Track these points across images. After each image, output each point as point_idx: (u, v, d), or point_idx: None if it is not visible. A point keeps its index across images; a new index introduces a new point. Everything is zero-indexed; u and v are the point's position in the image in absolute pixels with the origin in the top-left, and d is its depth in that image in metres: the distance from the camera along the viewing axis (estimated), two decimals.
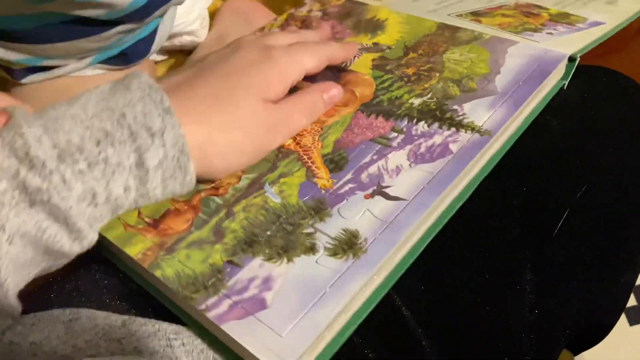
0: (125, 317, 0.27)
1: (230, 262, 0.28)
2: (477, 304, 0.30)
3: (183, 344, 0.27)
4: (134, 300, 0.30)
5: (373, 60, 0.42)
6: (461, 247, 0.32)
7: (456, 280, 0.31)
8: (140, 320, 0.27)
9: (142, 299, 0.29)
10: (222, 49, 0.35)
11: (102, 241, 0.32)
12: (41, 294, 0.30)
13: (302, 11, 0.51)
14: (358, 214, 0.30)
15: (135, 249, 0.30)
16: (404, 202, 0.30)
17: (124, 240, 0.30)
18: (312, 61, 0.36)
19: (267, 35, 0.37)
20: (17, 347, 0.26)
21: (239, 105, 0.31)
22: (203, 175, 0.30)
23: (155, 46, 0.50)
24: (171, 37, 0.55)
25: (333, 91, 0.37)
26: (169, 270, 0.28)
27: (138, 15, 0.44)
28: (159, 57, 0.59)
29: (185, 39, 0.56)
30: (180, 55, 0.61)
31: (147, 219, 0.31)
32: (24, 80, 0.46)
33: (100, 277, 0.31)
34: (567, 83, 0.40)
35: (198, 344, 0.27)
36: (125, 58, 0.49)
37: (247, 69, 0.33)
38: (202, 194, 0.33)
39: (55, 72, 0.46)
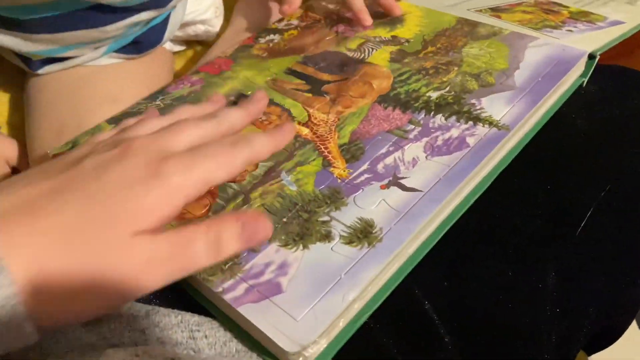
0: (149, 307, 0.28)
1: None
2: (499, 300, 0.30)
3: (206, 336, 0.27)
4: (157, 291, 0.30)
5: (391, 52, 0.43)
6: (485, 243, 0.32)
7: (479, 276, 0.31)
8: (163, 310, 0.27)
9: (166, 290, 0.30)
10: (108, 146, 0.26)
11: None
12: None
13: (322, 2, 0.51)
14: (374, 204, 0.30)
15: None
16: (419, 193, 0.30)
17: None
18: (222, 174, 0.26)
19: (171, 131, 0.27)
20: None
21: (98, 241, 0.23)
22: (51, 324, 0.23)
23: (168, 34, 0.50)
24: (184, 25, 0.55)
25: (255, 225, 0.25)
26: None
27: (158, 3, 0.45)
28: (177, 48, 0.59)
29: (199, 28, 0.56)
30: (198, 46, 0.61)
31: None
32: (40, 71, 0.46)
33: None
34: (586, 80, 0.40)
35: (221, 336, 0.27)
36: (139, 46, 0.49)
37: (123, 191, 0.24)
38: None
39: (71, 62, 0.46)
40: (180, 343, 0.26)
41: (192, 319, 0.27)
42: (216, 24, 0.58)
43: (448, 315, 0.29)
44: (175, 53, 0.59)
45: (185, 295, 0.29)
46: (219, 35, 0.60)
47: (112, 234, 0.23)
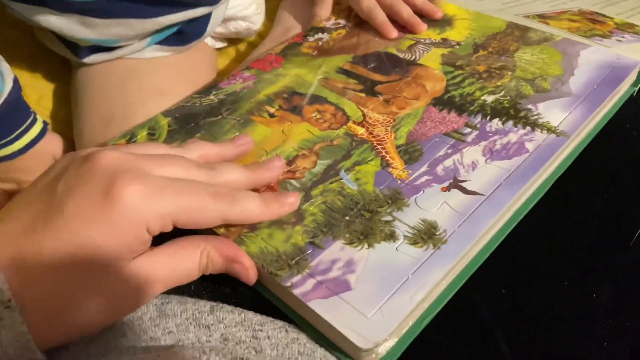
0: (214, 303, 0.28)
1: (312, 243, 0.29)
2: (554, 308, 0.30)
3: (268, 337, 0.27)
4: (219, 291, 0.31)
5: (442, 55, 0.43)
6: (541, 251, 0.32)
7: (535, 284, 0.31)
8: (227, 307, 0.28)
9: (228, 289, 0.30)
10: (82, 160, 0.25)
11: None
12: None
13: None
14: (435, 206, 0.30)
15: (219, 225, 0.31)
16: (481, 197, 0.31)
17: None
18: (188, 218, 0.25)
19: (156, 159, 0.26)
20: (109, 327, 0.26)
21: (90, 275, 0.23)
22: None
23: (212, 26, 0.50)
24: (226, 20, 0.55)
25: (227, 249, 0.27)
26: (253, 247, 0.29)
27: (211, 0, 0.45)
28: (219, 44, 0.60)
29: (241, 25, 0.57)
30: (240, 43, 0.61)
31: None
32: (86, 60, 0.47)
33: None
34: (637, 90, 0.40)
35: (283, 337, 0.27)
36: (183, 37, 0.49)
37: (84, 228, 0.23)
38: (280, 177, 0.33)
39: (117, 52, 0.47)
40: (244, 341, 0.26)
41: (254, 317, 0.28)
42: (257, 21, 0.58)
43: (505, 322, 0.30)
44: (217, 50, 0.60)
45: (245, 291, 0.30)
46: (259, 33, 0.60)
47: (98, 272, 0.23)
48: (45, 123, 0.45)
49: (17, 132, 0.41)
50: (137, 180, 0.23)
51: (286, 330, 0.27)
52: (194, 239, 0.28)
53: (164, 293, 0.29)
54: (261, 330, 0.27)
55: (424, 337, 0.28)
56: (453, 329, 0.29)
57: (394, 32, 0.46)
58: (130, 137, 0.38)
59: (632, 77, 0.39)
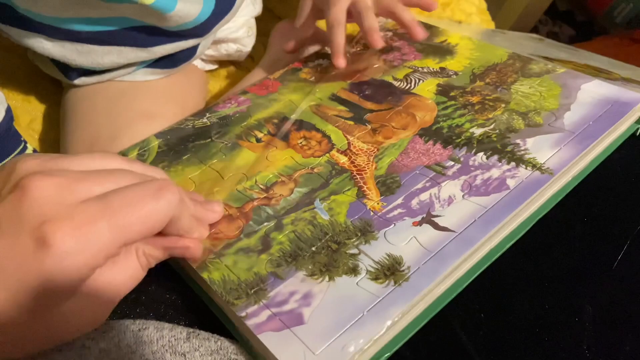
0: (190, 329, 0.28)
1: (273, 273, 0.29)
2: (535, 332, 0.29)
3: None
4: (196, 317, 0.31)
5: (437, 85, 0.42)
6: (522, 275, 0.31)
7: (516, 309, 0.31)
8: (203, 334, 0.28)
9: (203, 316, 0.30)
10: (10, 186, 0.23)
11: None
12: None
13: None
14: (404, 241, 0.30)
15: None
16: (452, 233, 0.30)
17: None
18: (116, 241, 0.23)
19: (80, 182, 0.23)
20: (87, 352, 0.27)
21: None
22: None
23: (201, 49, 0.51)
24: (217, 43, 0.56)
25: (162, 241, 0.27)
26: (215, 274, 0.29)
27: (204, 30, 0.46)
28: (209, 67, 0.60)
29: (232, 47, 0.57)
30: (231, 66, 0.62)
31: None
32: (77, 81, 0.48)
33: (164, 292, 0.32)
34: None
35: None
36: (172, 60, 0.50)
37: (16, 277, 0.21)
38: (255, 203, 0.34)
39: (106, 75, 0.48)
40: None
41: (230, 346, 0.28)
42: (248, 44, 0.58)
43: (484, 347, 0.29)
44: (208, 72, 0.60)
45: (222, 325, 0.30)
46: (250, 55, 0.60)
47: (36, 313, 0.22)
48: (34, 151, 0.46)
49: (5, 160, 0.42)
50: (67, 220, 0.22)
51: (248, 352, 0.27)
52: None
53: (141, 319, 0.29)
54: (237, 359, 0.27)
55: None
56: (431, 353, 0.28)
57: (342, 61, 0.45)
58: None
59: (635, 114, 0.38)
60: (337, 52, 0.44)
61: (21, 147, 0.44)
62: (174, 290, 0.32)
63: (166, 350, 0.27)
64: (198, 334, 0.28)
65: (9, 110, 0.42)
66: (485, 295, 0.30)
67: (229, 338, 0.28)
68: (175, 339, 0.27)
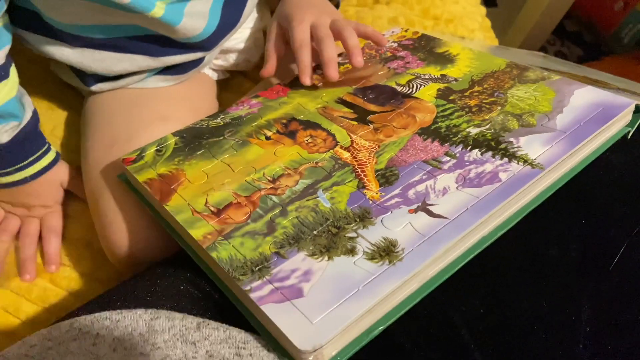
0: (200, 319, 0.30)
1: (277, 253, 0.31)
2: (533, 330, 0.31)
3: (251, 355, 0.28)
4: (207, 307, 0.33)
5: (438, 90, 0.45)
6: (521, 272, 0.33)
7: (515, 305, 0.32)
8: (213, 323, 0.30)
9: (215, 305, 0.32)
10: None
11: (172, 226, 0.36)
12: (125, 289, 0.33)
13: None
14: (400, 226, 0.32)
15: (198, 232, 0.33)
16: (445, 220, 0.32)
17: (190, 224, 0.34)
18: None
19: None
20: (101, 340, 0.29)
21: None
22: None
23: (208, 58, 0.53)
24: (225, 52, 0.58)
25: None
26: (223, 253, 0.31)
27: (211, 43, 0.49)
28: (218, 76, 0.61)
29: (239, 57, 0.59)
30: (240, 76, 0.64)
31: (212, 207, 0.35)
32: (93, 88, 0.51)
33: (176, 283, 0.34)
34: (632, 131, 0.40)
35: (264, 355, 0.28)
36: (182, 67, 0.52)
37: None
38: (262, 192, 0.36)
39: (120, 82, 0.50)
40: (227, 358, 0.28)
41: (238, 335, 0.29)
42: (255, 55, 0.60)
43: (483, 342, 0.30)
44: (218, 82, 0.61)
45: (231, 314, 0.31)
46: (257, 65, 0.61)
47: None
48: (57, 153, 0.49)
49: (31, 158, 0.45)
50: None
51: (268, 350, 0.29)
52: None
53: (153, 308, 0.31)
54: (244, 348, 0.29)
55: (402, 356, 0.29)
56: (431, 347, 0.30)
57: (308, 80, 0.46)
58: (140, 152, 0.42)
59: (624, 117, 0.39)
60: (302, 71, 0.46)
61: (45, 147, 0.47)
62: (189, 281, 0.34)
63: (177, 339, 0.29)
64: (208, 324, 0.30)
65: (35, 113, 0.45)
66: (485, 291, 0.31)
67: (237, 328, 0.30)
68: (185, 329, 0.29)
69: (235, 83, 0.63)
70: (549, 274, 0.33)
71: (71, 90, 0.57)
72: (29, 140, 0.45)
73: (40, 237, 0.49)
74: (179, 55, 0.48)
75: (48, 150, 0.48)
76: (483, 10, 0.68)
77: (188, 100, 0.52)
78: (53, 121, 0.55)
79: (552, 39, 1.10)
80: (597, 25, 1.10)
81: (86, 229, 0.49)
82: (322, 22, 0.47)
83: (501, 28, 0.79)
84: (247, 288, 0.29)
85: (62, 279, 0.47)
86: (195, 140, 0.42)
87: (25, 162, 0.45)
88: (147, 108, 0.49)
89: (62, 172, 0.49)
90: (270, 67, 0.49)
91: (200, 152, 0.41)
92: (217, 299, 0.33)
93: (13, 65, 0.43)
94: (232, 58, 0.58)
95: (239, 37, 0.57)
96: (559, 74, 0.46)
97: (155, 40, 0.46)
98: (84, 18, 0.43)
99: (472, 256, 0.32)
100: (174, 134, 0.43)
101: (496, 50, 0.65)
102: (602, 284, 0.33)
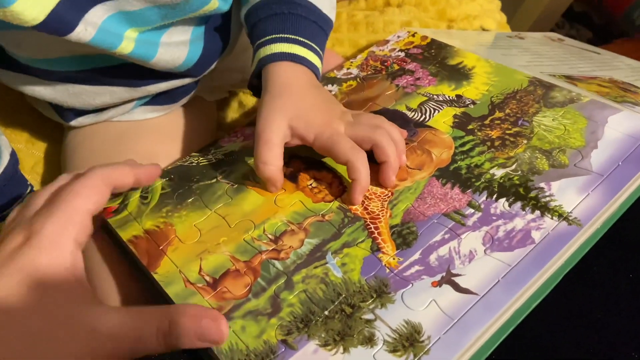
0: None
1: (284, 341, 0.27)
2: None
3: None
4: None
5: (454, 115, 0.40)
6: (565, 335, 0.29)
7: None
8: None
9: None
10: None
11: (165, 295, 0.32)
12: None
13: (384, 49, 0.49)
14: (423, 305, 0.28)
15: None
16: (474, 297, 0.28)
17: (183, 299, 0.30)
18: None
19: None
20: None
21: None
22: None
23: (202, 81, 0.48)
24: (221, 72, 0.51)
25: (212, 326, 0.27)
26: (224, 343, 0.28)
27: (197, 71, 0.43)
28: (216, 96, 0.55)
29: (237, 77, 0.53)
30: (240, 93, 0.59)
31: (207, 277, 0.31)
32: (73, 123, 0.45)
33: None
34: None
35: None
36: (170, 96, 0.47)
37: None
38: (264, 256, 0.32)
39: (103, 115, 0.45)
40: None
41: None
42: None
43: None
44: (218, 102, 0.56)
45: None
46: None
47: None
48: None
49: (14, 205, 0.40)
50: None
51: None
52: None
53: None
54: None
55: None
56: None
57: (357, 200, 0.34)
58: (122, 200, 0.37)
59: None
60: (354, 194, 0.34)
61: (28, 191, 0.42)
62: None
63: None
64: None
65: (13, 154, 0.40)
66: (527, 353, 0.28)
67: None
68: None
69: (236, 102, 0.58)
70: (594, 338, 0.30)
71: (53, 122, 0.51)
72: (10, 186, 0.40)
73: None
74: (165, 82, 0.43)
75: (31, 192, 0.43)
76: (498, 3, 0.62)
77: (179, 132, 0.47)
78: (34, 157, 0.50)
79: (561, 21, 1.04)
80: (606, 6, 1.04)
81: None
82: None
83: (510, 12, 0.73)
84: None
85: None
86: (184, 184, 0.38)
87: (8, 211, 0.40)
88: (131, 145, 0.44)
89: None
90: (278, 188, 0.37)
91: (190, 199, 0.37)
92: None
93: None
94: (227, 76, 0.52)
95: (235, 55, 0.50)
96: (586, 86, 0.41)
97: (134, 68, 0.40)
98: (49, 51, 0.37)
99: (505, 335, 0.28)
100: (161, 176, 0.39)
101: (510, 42, 0.60)
102: None
